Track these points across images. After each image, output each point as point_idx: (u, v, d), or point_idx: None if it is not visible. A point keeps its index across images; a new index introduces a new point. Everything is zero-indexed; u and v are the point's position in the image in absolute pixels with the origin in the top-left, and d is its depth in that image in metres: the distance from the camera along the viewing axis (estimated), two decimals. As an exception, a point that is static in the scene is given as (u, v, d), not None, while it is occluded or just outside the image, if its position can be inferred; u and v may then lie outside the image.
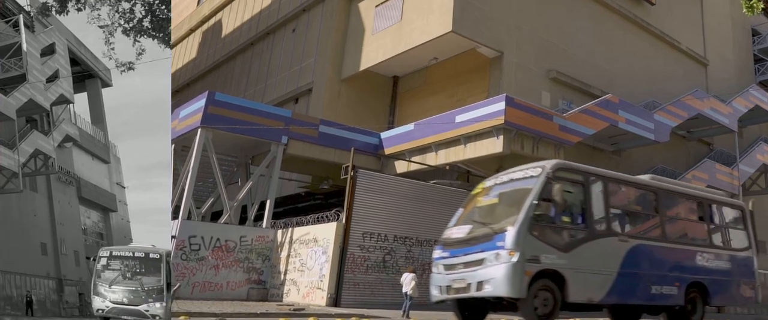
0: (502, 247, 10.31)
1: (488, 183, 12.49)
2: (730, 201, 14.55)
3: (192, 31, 41.13)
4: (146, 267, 16.24)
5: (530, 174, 11.24)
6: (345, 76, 26.87)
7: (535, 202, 10.58)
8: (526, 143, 19.80)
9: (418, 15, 23.83)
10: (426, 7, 23.45)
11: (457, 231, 11.67)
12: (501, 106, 19.22)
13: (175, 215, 20.37)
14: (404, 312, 14.54)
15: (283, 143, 21.29)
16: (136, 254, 16.44)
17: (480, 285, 10.51)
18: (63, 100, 30.49)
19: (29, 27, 28.58)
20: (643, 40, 30.14)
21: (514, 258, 10.16)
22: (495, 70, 23.71)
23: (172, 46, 39.42)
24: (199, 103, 20.69)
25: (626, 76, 28.40)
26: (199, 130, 20.31)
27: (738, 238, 13.90)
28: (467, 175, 22.00)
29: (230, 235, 19.80)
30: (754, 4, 11.01)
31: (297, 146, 21.59)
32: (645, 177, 13.08)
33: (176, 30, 40.96)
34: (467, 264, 10.85)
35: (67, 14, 11.02)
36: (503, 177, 12.12)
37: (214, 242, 19.43)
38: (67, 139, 32.29)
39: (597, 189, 11.49)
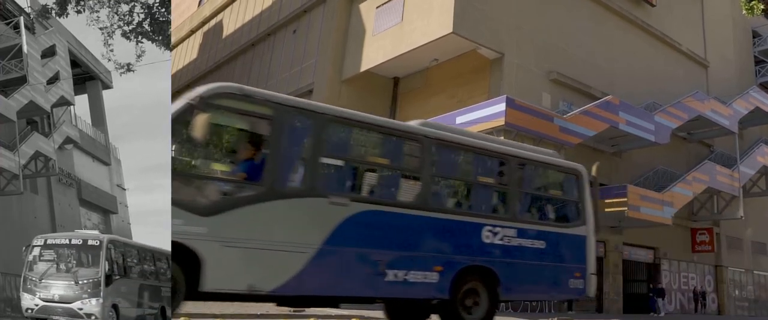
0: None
1: None
2: (556, 162, 10.76)
3: (193, 32, 41.16)
4: (84, 257, 13.85)
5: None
6: (346, 77, 26.88)
7: None
8: (526, 144, 19.81)
9: (418, 16, 23.84)
10: (427, 9, 23.46)
11: None
12: (501, 107, 19.26)
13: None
14: None
15: (283, 144, 21.22)
16: (73, 241, 14.00)
17: None
18: (63, 102, 30.48)
19: (30, 29, 28.59)
20: (643, 41, 30.15)
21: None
22: (495, 71, 23.71)
23: (172, 47, 39.46)
24: (200, 105, 20.63)
25: (627, 77, 28.40)
26: (200, 131, 20.26)
27: (568, 211, 10.56)
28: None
29: (231, 236, 19.73)
30: (754, 5, 11.02)
31: (297, 147, 21.54)
32: (413, 123, 9.54)
33: (177, 31, 40.99)
34: None
35: (66, 17, 11.03)
36: None
37: (214, 243, 19.35)
38: (68, 140, 32.27)
39: (291, 126, 8.05)
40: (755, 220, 34.69)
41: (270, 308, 16.71)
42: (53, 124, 30.90)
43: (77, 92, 35.01)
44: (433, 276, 8.72)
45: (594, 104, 23.16)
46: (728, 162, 30.50)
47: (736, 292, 34.94)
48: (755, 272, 36.27)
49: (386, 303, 9.98)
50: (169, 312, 16.97)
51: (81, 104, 38.40)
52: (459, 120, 20.34)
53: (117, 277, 14.10)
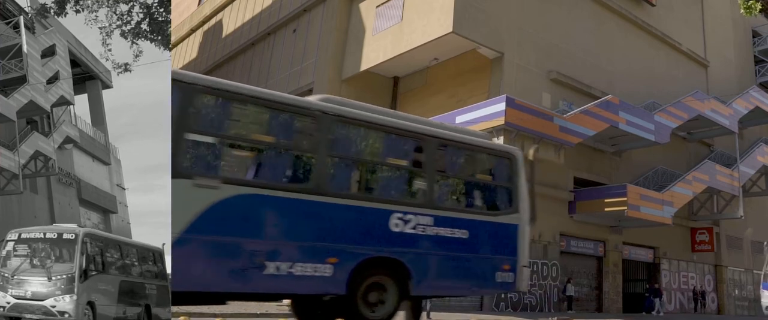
0: None
1: None
2: (486, 144, 9.74)
3: (193, 31, 41.17)
4: (59, 251, 13.09)
5: None
6: (346, 77, 26.87)
7: None
8: (526, 144, 19.80)
9: (418, 16, 23.83)
10: (427, 8, 23.46)
11: None
12: (501, 106, 19.25)
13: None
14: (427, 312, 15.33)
15: (283, 144, 21.22)
16: (48, 235, 13.22)
17: None
18: (63, 102, 30.51)
19: (30, 28, 28.60)
20: (643, 41, 30.14)
21: None
22: (496, 70, 23.71)
23: (172, 47, 39.46)
24: (200, 104, 20.62)
25: (627, 77, 28.40)
26: (200, 131, 20.25)
27: (499, 198, 9.64)
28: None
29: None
30: (752, 5, 11.02)
31: (297, 147, 21.54)
32: (312, 98, 8.60)
33: (177, 30, 41.00)
34: None
35: (65, 16, 11.03)
36: None
37: (214, 243, 19.32)
38: (68, 140, 32.31)
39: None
40: (755, 220, 34.67)
41: (270, 308, 16.72)
42: (53, 124, 30.92)
43: (77, 92, 35.04)
44: (325, 269, 7.73)
45: (594, 104, 23.16)
46: (728, 161, 30.50)
47: (736, 292, 34.94)
48: (755, 272, 36.24)
49: (292, 300, 9.21)
50: (154, 312, 16.48)
51: (81, 104, 38.42)
52: (459, 119, 20.34)
53: (94, 273, 13.44)
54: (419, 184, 8.85)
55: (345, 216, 8.01)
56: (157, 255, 17.75)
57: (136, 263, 16.22)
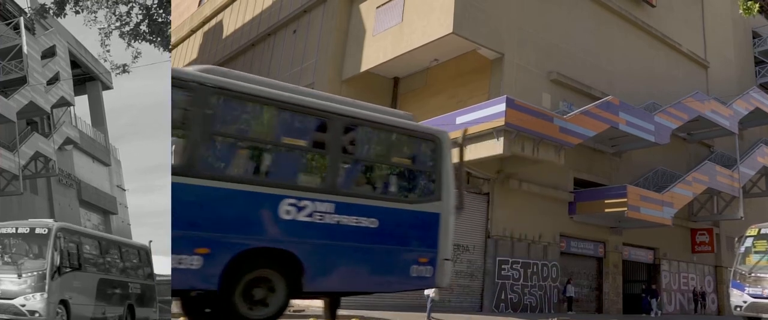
0: None
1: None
2: (405, 124, 8.81)
3: (193, 31, 41.17)
4: (31, 247, 12.61)
5: None
6: (346, 77, 26.87)
7: None
8: (526, 145, 19.80)
9: (418, 16, 23.83)
10: (427, 9, 23.46)
11: None
12: (501, 107, 19.23)
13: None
14: (428, 314, 15.87)
15: (283, 145, 21.20)
16: (20, 230, 12.72)
17: None
18: (63, 103, 30.53)
19: (30, 29, 28.61)
20: (643, 41, 30.14)
21: None
22: (496, 71, 23.70)
23: (172, 47, 39.47)
24: (200, 105, 20.62)
25: (627, 77, 28.40)
26: (200, 131, 20.24)
27: (418, 184, 8.78)
28: (467, 177, 22.00)
29: (230, 237, 19.69)
30: (750, 6, 11.01)
31: (297, 148, 21.52)
32: (191, 68, 7.67)
33: (177, 31, 41.00)
34: None
35: (64, 17, 11.03)
36: None
37: (214, 244, 19.30)
38: (68, 141, 32.32)
39: None
40: (755, 221, 34.47)
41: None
42: (53, 125, 30.93)
43: (77, 93, 35.05)
44: (192, 261, 6.87)
45: (594, 104, 23.15)
46: (728, 162, 30.48)
47: (737, 293, 34.88)
48: (755, 272, 36.23)
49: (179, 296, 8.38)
50: (138, 313, 15.73)
51: (81, 105, 38.43)
52: (459, 120, 20.32)
53: (68, 270, 12.81)
54: (318, 167, 7.98)
55: (221, 201, 7.11)
56: (142, 252, 17.06)
57: (118, 260, 15.55)
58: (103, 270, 14.64)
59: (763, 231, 18.51)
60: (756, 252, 18.17)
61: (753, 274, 17.84)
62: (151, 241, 17.80)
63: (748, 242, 18.46)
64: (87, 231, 15.99)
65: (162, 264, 24.68)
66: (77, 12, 10.92)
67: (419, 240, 8.48)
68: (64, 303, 12.69)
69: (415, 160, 8.92)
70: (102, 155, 39.01)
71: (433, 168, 8.71)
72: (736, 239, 19.20)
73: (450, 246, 8.81)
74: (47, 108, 28.61)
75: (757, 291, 17.47)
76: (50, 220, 13.96)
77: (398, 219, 8.33)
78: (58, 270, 12.41)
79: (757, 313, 17.36)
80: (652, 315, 27.25)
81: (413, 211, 8.47)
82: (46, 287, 12.10)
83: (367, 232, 7.97)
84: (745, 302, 17.62)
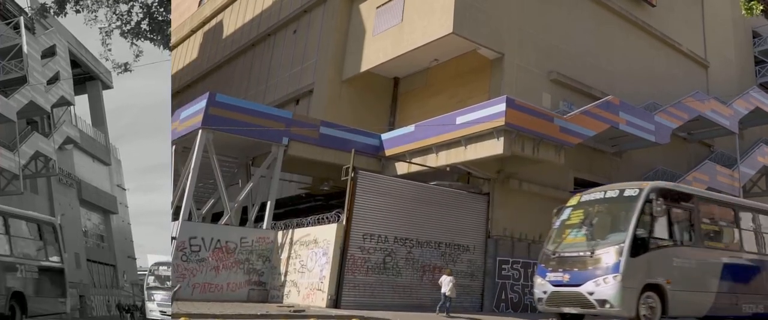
0: None
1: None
2: None
3: (193, 31, 41.18)
4: None
5: None
6: (346, 77, 26.88)
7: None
8: (526, 144, 19.78)
9: (419, 16, 23.84)
10: (427, 9, 23.46)
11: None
12: (502, 107, 19.20)
13: (175, 216, 20.36)
14: (446, 311, 16.49)
15: (283, 144, 21.29)
16: None
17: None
18: (64, 102, 30.56)
19: (30, 29, 28.63)
20: (643, 41, 30.13)
21: None
22: (496, 71, 23.70)
23: (173, 47, 39.48)
24: (200, 104, 20.69)
25: (627, 77, 28.39)
26: (200, 131, 20.31)
27: None
28: (467, 177, 21.99)
29: (231, 236, 19.78)
30: (753, 6, 11.01)
31: (298, 147, 21.58)
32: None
33: (177, 31, 41.01)
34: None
35: (64, 16, 11.03)
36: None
37: (215, 243, 19.41)
38: (68, 141, 32.36)
39: None
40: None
41: (270, 308, 16.73)
42: (53, 124, 30.96)
43: (77, 92, 35.10)
44: None
45: (594, 104, 23.12)
46: (728, 162, 30.45)
47: (737, 292, 34.85)
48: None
49: None
50: (33, 303, 12.34)
51: (81, 104, 38.49)
52: (459, 120, 20.33)
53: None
54: None
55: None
56: (46, 228, 14.17)
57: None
58: None
59: (584, 198, 14.38)
60: (569, 227, 13.95)
61: (557, 254, 13.43)
62: (62, 215, 15.54)
63: (566, 213, 14.41)
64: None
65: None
66: (78, 11, 10.94)
67: None
68: None
69: None
70: (102, 154, 39.04)
71: None
72: (554, 211, 15.14)
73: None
74: (47, 107, 28.63)
75: (558, 277, 13.05)
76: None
77: None
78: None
79: (557, 306, 13.10)
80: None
81: None
82: None
83: None
84: (545, 292, 13.33)
